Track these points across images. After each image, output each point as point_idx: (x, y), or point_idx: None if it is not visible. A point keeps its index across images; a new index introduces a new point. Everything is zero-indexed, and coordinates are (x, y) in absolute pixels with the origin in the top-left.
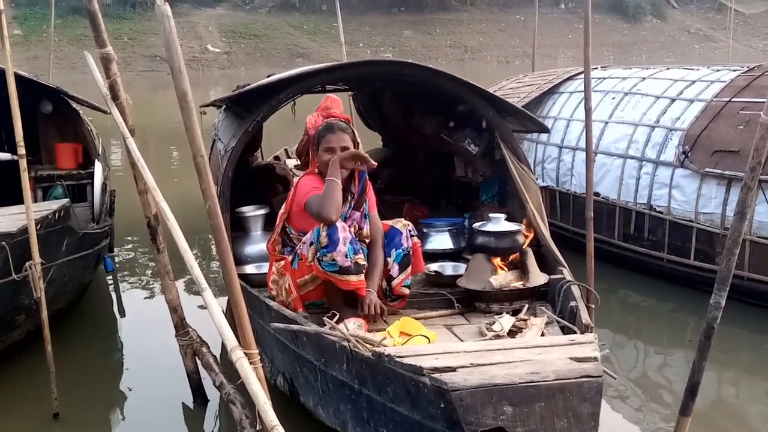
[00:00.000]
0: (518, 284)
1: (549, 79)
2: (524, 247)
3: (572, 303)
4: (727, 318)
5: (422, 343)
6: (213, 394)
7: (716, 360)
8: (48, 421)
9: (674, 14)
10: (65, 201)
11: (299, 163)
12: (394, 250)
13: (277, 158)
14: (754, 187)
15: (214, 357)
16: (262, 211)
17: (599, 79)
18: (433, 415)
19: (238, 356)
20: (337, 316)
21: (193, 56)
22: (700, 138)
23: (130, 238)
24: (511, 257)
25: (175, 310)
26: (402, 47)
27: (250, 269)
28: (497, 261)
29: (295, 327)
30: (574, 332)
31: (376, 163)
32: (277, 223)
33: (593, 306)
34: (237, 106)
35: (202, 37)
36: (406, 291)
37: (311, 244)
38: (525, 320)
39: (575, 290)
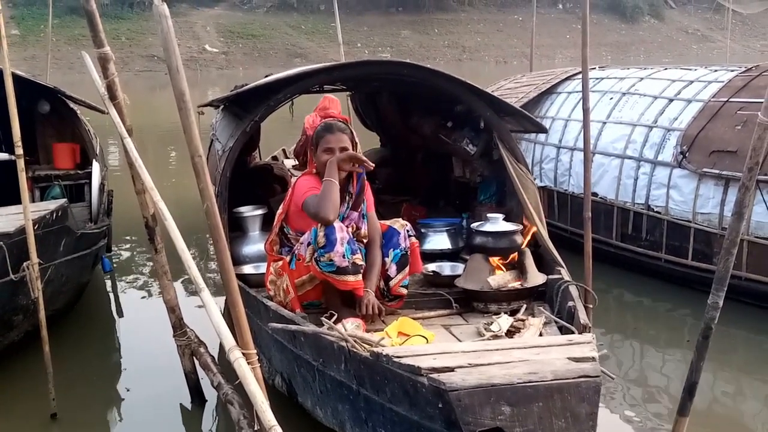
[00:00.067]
0: (516, 284)
1: (547, 80)
2: (522, 247)
3: (570, 303)
4: (725, 318)
5: (420, 343)
6: (211, 395)
7: (714, 360)
8: (46, 421)
9: (672, 14)
10: (63, 201)
11: (297, 163)
12: (391, 250)
13: (275, 158)
14: (751, 188)
15: (212, 357)
16: (260, 212)
17: (597, 79)
18: (431, 415)
19: (236, 356)
20: (335, 317)
21: (190, 56)
22: (697, 138)
23: (128, 238)
24: (509, 257)
25: (173, 310)
26: (400, 47)
27: (248, 269)
28: (495, 261)
29: (293, 327)
30: (572, 332)
31: (373, 165)
32: (274, 223)
33: (591, 306)
34: (235, 106)
35: (200, 37)
36: (404, 291)
37: (309, 244)
38: (523, 320)
39: (573, 290)
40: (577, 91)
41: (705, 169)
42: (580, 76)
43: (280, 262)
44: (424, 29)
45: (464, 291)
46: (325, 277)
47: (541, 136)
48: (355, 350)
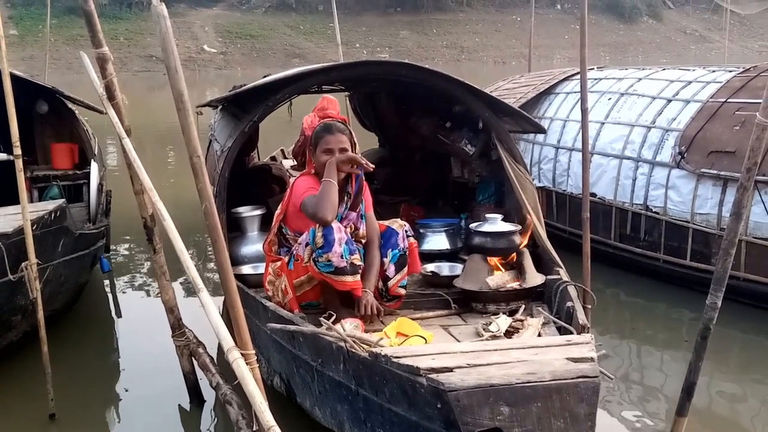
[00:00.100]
0: (515, 285)
1: (545, 80)
2: (521, 247)
3: (569, 303)
4: (724, 318)
5: (419, 343)
6: (209, 395)
7: (713, 360)
8: (44, 421)
9: (670, 15)
10: (61, 201)
11: (296, 163)
12: (390, 250)
13: (273, 159)
14: (749, 188)
15: (211, 358)
16: (258, 212)
17: (595, 79)
18: (429, 415)
19: (234, 357)
20: (333, 317)
21: (189, 56)
22: (696, 139)
23: (126, 238)
24: (508, 258)
25: (172, 310)
26: (398, 48)
27: (246, 270)
28: (494, 261)
29: (292, 327)
30: (571, 333)
31: (373, 167)
32: (273, 223)
33: (590, 306)
34: (233, 106)
35: (199, 38)
36: (402, 291)
37: (307, 244)
38: (522, 321)
39: (572, 291)
40: (575, 92)
41: (703, 170)
42: (578, 76)
43: (279, 263)
44: (422, 29)
45: (463, 291)
46: (324, 278)
47: (540, 137)
48: (353, 350)
